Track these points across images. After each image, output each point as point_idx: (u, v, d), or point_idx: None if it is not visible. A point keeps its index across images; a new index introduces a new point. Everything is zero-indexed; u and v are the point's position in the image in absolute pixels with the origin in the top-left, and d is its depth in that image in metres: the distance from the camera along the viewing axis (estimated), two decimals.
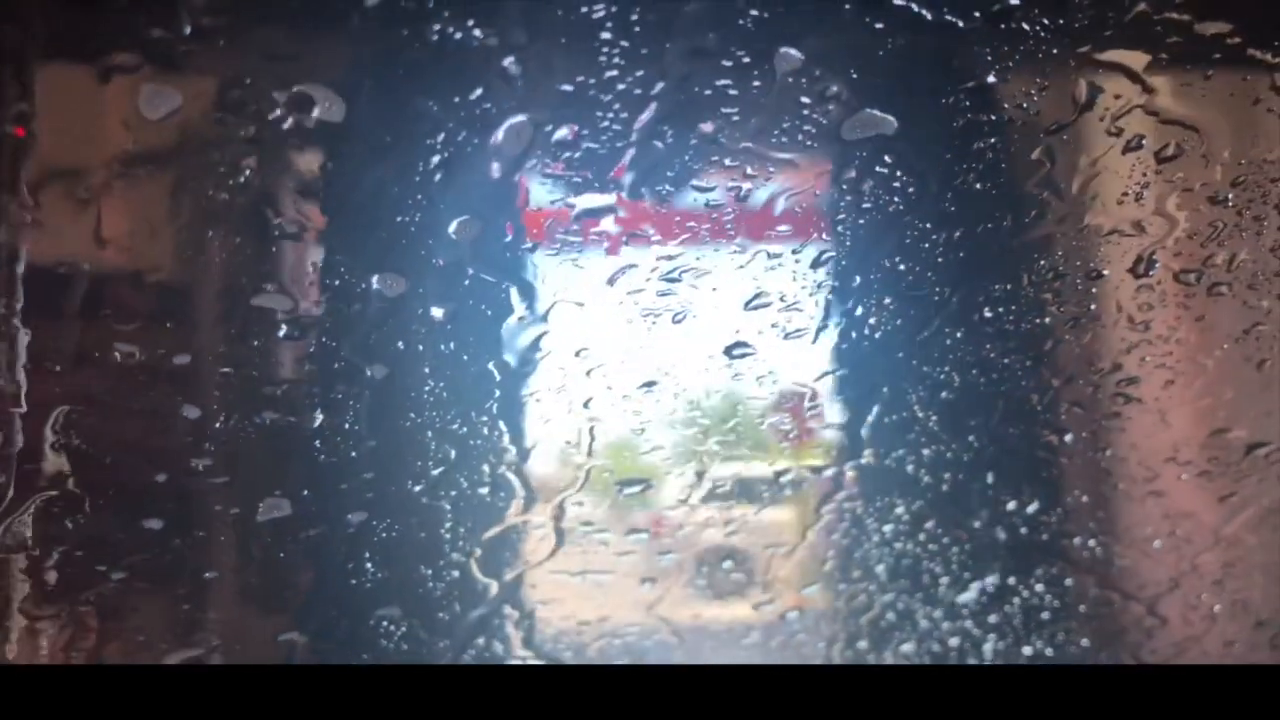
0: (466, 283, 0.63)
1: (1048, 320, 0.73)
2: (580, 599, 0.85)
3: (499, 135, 0.56)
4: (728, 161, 0.59)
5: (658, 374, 0.72)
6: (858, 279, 0.67)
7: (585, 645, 0.87)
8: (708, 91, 0.56)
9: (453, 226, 0.60)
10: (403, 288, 0.64)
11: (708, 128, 0.57)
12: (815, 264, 0.66)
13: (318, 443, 0.69)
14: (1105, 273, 0.70)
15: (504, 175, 0.57)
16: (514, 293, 0.64)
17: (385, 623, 0.80)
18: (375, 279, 0.63)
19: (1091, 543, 0.90)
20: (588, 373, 0.71)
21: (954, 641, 0.94)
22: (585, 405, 0.73)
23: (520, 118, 0.55)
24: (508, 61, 0.53)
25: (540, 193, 0.59)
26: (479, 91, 0.55)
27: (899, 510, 0.84)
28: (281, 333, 0.62)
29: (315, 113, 0.53)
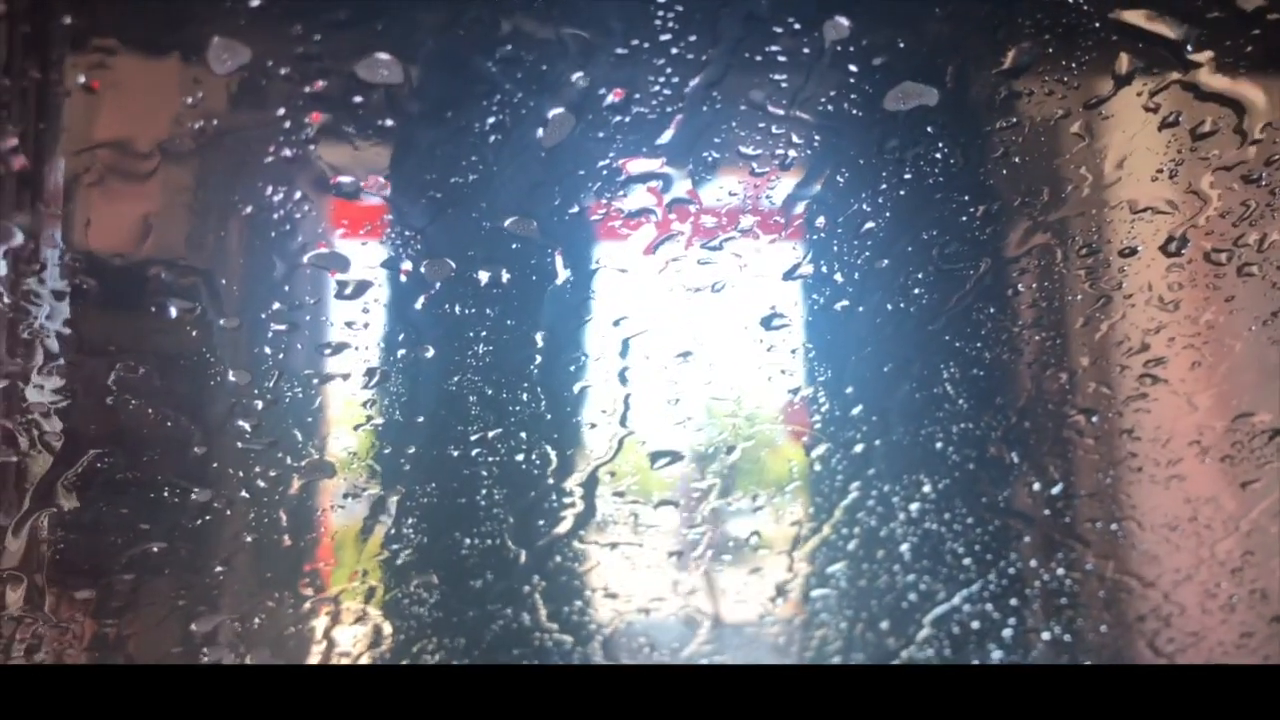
0: (514, 246, 0.64)
1: (1079, 297, 0.73)
2: (609, 570, 0.86)
3: (552, 99, 0.57)
4: (774, 129, 0.60)
5: (694, 344, 0.73)
6: (895, 251, 0.68)
7: (611, 618, 0.88)
8: (758, 58, 0.57)
9: (502, 192, 0.61)
10: (451, 270, 0.65)
11: (756, 94, 0.58)
12: (855, 235, 0.67)
13: (363, 405, 0.71)
14: (1139, 249, 0.70)
15: (555, 138, 0.59)
16: (559, 257, 0.65)
17: (421, 590, 0.81)
18: (424, 265, 0.64)
19: (1114, 526, 0.91)
20: (626, 341, 0.72)
21: (975, 625, 0.95)
22: (621, 374, 0.74)
23: (574, 81, 0.56)
24: (565, 25, 0.54)
25: (589, 156, 0.60)
26: (535, 54, 0.56)
27: (926, 488, 0.85)
28: (333, 293, 0.64)
29: (376, 75, 0.54)
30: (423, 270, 0.65)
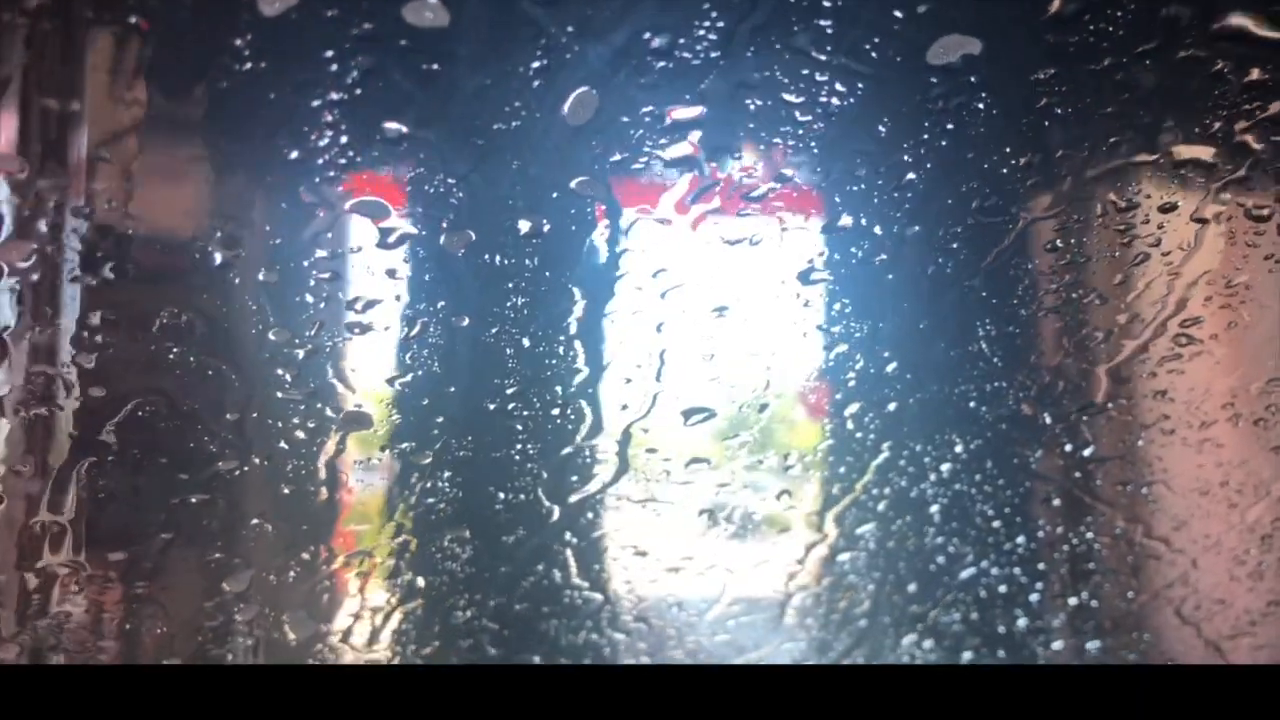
0: (554, 195, 0.64)
1: (1117, 254, 0.73)
2: (639, 527, 0.86)
3: (596, 44, 0.57)
4: (818, 76, 0.60)
5: (731, 298, 0.73)
6: (935, 204, 0.68)
7: (640, 575, 0.88)
8: (804, 2, 0.57)
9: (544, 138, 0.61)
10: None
11: (801, 40, 0.58)
12: (896, 187, 0.66)
13: (403, 356, 0.71)
14: (1178, 205, 0.70)
15: (597, 85, 0.59)
16: (598, 208, 0.65)
17: (454, 545, 0.82)
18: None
19: (1144, 490, 0.91)
20: (663, 294, 0.72)
21: (1001, 589, 0.95)
22: (657, 328, 0.74)
23: (619, 26, 0.56)
24: None
25: (631, 103, 0.60)
26: None
27: (958, 448, 0.85)
28: (375, 240, 0.64)
29: (422, 19, 0.54)
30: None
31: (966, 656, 0.94)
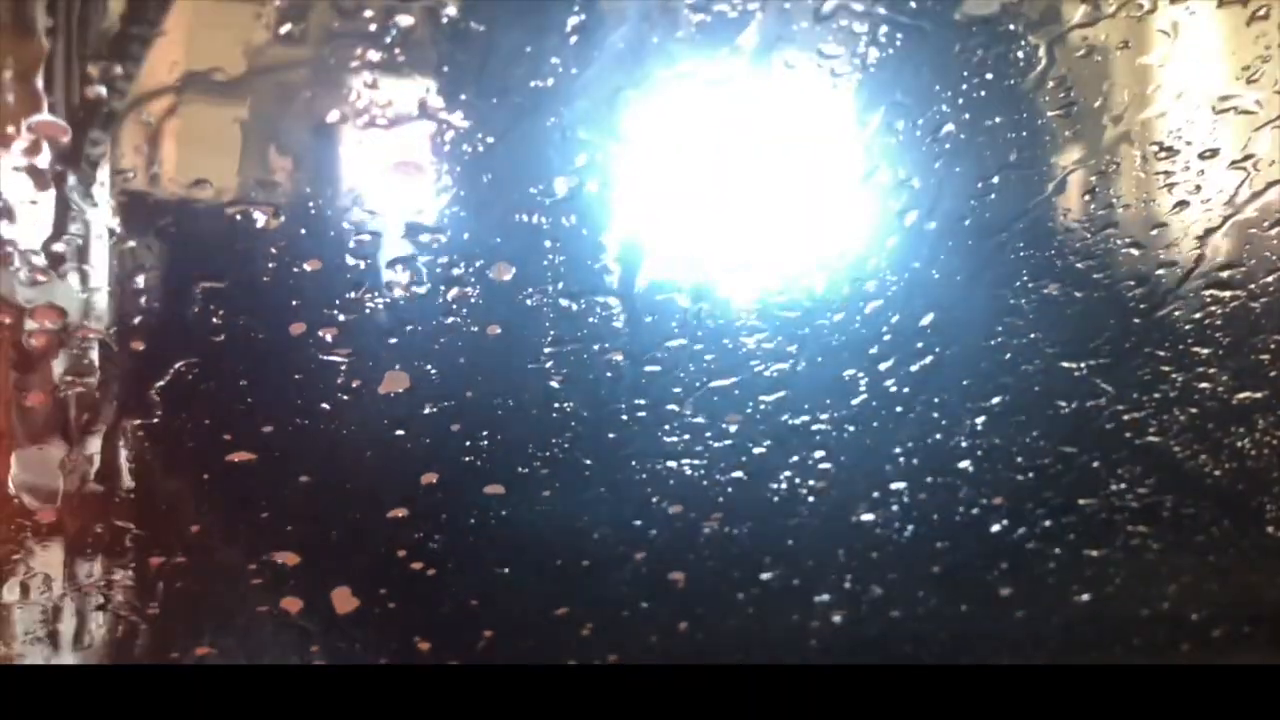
0: (593, 153, 0.64)
1: (1155, 202, 0.73)
2: (666, 486, 0.87)
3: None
4: (855, 27, 0.60)
5: (764, 251, 0.73)
6: (971, 155, 0.68)
7: (671, 528, 0.89)
8: None
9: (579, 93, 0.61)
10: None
11: None
12: (933, 139, 0.66)
13: (441, 317, 0.72)
14: (1219, 151, 0.69)
15: (634, 41, 0.59)
16: (636, 163, 0.66)
17: (491, 500, 0.83)
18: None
19: (1173, 445, 0.91)
20: (698, 249, 0.72)
21: (1031, 545, 0.95)
22: (693, 289, 0.74)
23: None
24: None
25: (668, 58, 0.60)
26: None
27: (994, 401, 0.85)
28: (414, 201, 0.64)
29: None
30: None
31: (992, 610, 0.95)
